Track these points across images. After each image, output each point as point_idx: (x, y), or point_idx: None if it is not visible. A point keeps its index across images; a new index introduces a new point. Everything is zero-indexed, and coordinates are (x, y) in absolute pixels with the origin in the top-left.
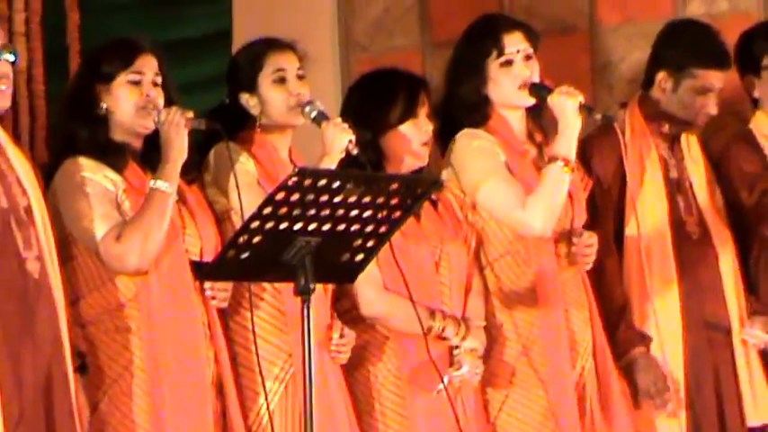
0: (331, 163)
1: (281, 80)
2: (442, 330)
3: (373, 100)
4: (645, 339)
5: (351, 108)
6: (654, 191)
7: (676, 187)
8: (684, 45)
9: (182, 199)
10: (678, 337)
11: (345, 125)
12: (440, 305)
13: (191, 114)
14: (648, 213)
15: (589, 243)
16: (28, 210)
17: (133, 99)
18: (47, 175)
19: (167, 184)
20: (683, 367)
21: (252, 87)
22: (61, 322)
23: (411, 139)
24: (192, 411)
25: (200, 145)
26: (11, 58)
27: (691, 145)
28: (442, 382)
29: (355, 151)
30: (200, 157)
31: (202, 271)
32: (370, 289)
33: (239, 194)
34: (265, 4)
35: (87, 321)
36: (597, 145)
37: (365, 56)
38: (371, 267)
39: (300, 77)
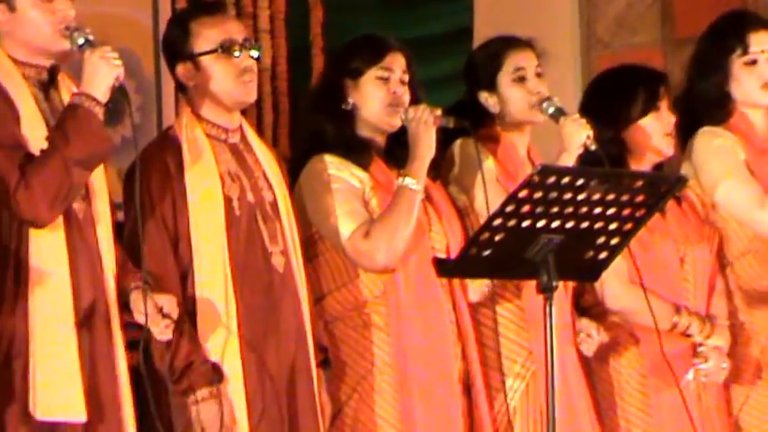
0: (569, 158)
1: (521, 78)
2: (687, 327)
3: (614, 95)
4: None
5: (591, 104)
6: None
7: None
8: None
9: (428, 196)
10: None
11: (583, 120)
12: (684, 302)
13: (439, 112)
14: None
15: None
16: (274, 205)
17: (381, 95)
18: (292, 171)
19: (415, 181)
20: None
21: (491, 85)
22: (305, 317)
23: (653, 133)
24: (440, 408)
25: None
26: (255, 54)
27: None
28: (688, 374)
29: (593, 146)
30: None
31: (445, 268)
32: (616, 283)
33: (486, 193)
34: (506, 1)
35: (333, 318)
36: None
37: (606, 53)
38: (618, 261)
39: (539, 75)
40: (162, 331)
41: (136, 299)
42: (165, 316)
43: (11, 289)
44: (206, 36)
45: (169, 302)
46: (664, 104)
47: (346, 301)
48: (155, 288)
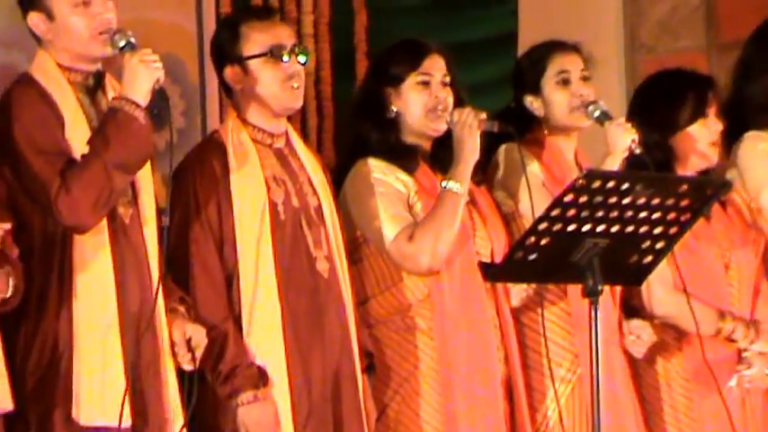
0: (614, 162)
1: (565, 82)
2: (732, 332)
3: (662, 100)
4: None
5: (639, 109)
6: None
7: None
8: None
9: (472, 200)
10: None
11: (628, 125)
12: (729, 307)
13: (483, 116)
14: None
15: None
16: (318, 210)
17: (422, 101)
18: (336, 176)
19: (459, 185)
20: None
21: (536, 89)
22: (350, 322)
23: (699, 140)
24: (483, 411)
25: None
26: (302, 59)
27: None
28: (733, 380)
29: (638, 150)
30: (485, 159)
31: (491, 272)
32: (660, 288)
33: (531, 198)
34: (551, 5)
35: (377, 321)
36: None
37: (650, 57)
38: (662, 266)
39: (584, 79)
40: (187, 363)
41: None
42: (190, 349)
43: (55, 293)
44: (255, 40)
45: (198, 334)
46: (712, 111)
47: (390, 304)
48: (191, 309)
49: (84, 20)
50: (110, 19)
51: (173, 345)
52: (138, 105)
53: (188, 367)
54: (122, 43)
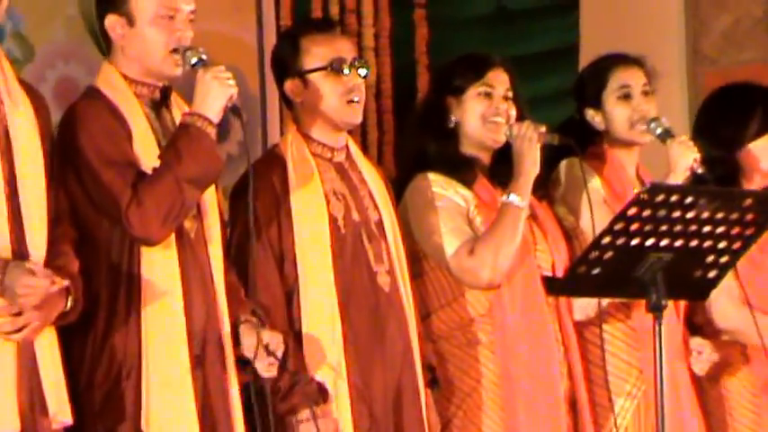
0: (676, 181)
1: (626, 96)
2: None
3: (728, 115)
4: None
5: (704, 123)
6: None
7: None
8: None
9: (533, 214)
10: None
11: (691, 143)
12: None
13: (543, 129)
14: None
15: None
16: (379, 224)
17: (482, 110)
18: (397, 190)
19: (520, 198)
20: None
21: (597, 103)
22: (412, 336)
23: (765, 156)
24: (546, 426)
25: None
26: (363, 72)
27: None
28: None
29: (700, 170)
30: (546, 172)
31: (554, 286)
32: (726, 302)
33: (592, 215)
34: (613, 18)
35: (439, 336)
36: None
37: (713, 70)
38: (727, 280)
39: (646, 93)
40: (266, 369)
41: (244, 333)
42: (270, 353)
43: (123, 306)
44: (316, 53)
45: (275, 340)
46: None
47: (451, 319)
48: (264, 320)
49: (163, 35)
50: (187, 38)
51: (238, 360)
52: (210, 121)
53: (267, 374)
54: (194, 60)
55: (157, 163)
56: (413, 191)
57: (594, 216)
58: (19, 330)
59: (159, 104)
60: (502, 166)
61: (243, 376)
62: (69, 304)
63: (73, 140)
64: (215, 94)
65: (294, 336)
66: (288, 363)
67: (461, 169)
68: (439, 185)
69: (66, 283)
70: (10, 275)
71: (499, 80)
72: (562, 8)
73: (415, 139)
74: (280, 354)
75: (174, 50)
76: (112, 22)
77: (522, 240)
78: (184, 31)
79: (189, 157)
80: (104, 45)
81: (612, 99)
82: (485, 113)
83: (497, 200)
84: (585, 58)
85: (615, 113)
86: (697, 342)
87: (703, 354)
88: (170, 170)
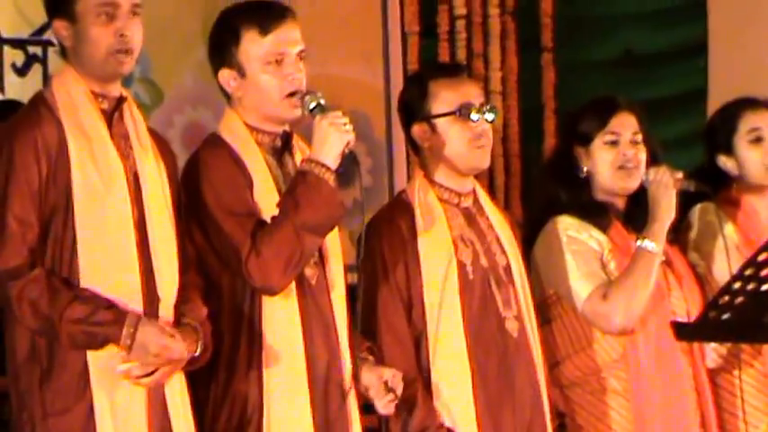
0: None
1: (758, 139)
2: None
3: None
4: None
5: None
6: None
7: None
8: None
9: (667, 261)
10: None
11: None
12: None
13: (680, 175)
14: None
15: None
16: (507, 269)
17: (610, 159)
18: (527, 234)
19: (654, 244)
20: None
21: (729, 148)
22: (540, 382)
23: None
24: None
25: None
26: (490, 117)
27: None
28: None
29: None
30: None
31: (684, 331)
32: None
33: (729, 262)
34: (742, 62)
35: (571, 382)
36: None
37: None
38: None
39: None
40: (385, 406)
41: (363, 371)
42: (389, 390)
43: (244, 354)
44: (444, 98)
45: (394, 377)
46: None
47: (584, 365)
48: (380, 358)
49: (276, 80)
50: (300, 79)
51: (361, 405)
52: (328, 168)
53: (385, 411)
54: (313, 105)
55: (276, 211)
56: (545, 235)
57: (731, 263)
58: (149, 375)
59: (281, 151)
60: (637, 211)
61: (365, 419)
62: (199, 350)
63: (196, 190)
64: (332, 141)
65: (423, 382)
66: (416, 409)
67: (595, 214)
68: (573, 229)
69: (197, 353)
70: (144, 333)
71: (625, 125)
72: (690, 52)
73: (547, 187)
74: (399, 391)
75: (292, 94)
76: (225, 76)
77: (657, 286)
78: (295, 72)
79: (307, 204)
80: (225, 95)
81: (744, 143)
82: (613, 162)
83: (631, 245)
84: (714, 103)
85: (748, 158)
86: None
87: None
88: (288, 219)
